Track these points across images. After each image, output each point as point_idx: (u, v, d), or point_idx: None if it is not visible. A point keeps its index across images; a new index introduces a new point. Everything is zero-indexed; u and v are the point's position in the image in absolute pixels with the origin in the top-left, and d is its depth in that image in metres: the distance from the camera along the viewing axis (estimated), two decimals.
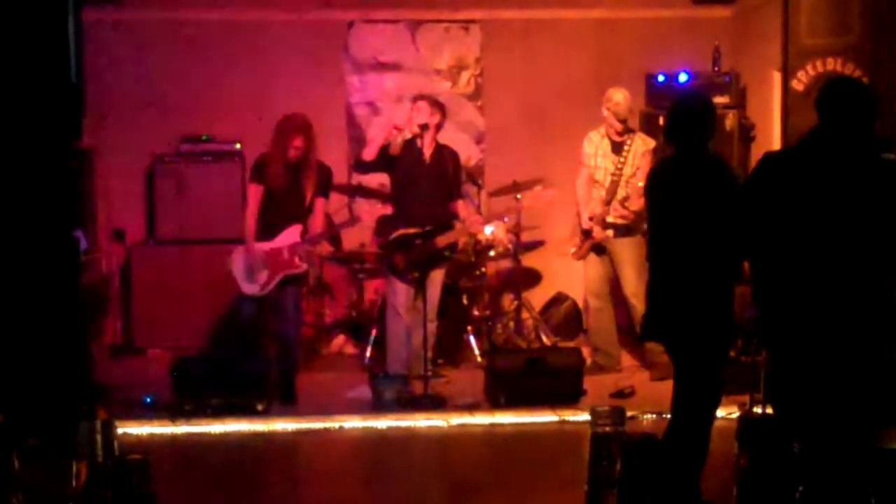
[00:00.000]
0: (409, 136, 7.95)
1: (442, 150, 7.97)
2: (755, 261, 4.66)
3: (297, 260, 7.54)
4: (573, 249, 8.33)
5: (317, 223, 7.64)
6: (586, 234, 8.21)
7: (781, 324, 4.51)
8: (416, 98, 8.13)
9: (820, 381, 4.42)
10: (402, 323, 7.91)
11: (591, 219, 8.14)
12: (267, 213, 7.55)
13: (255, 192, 7.57)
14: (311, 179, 7.53)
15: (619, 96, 8.18)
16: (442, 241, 7.83)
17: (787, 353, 4.53)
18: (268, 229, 7.55)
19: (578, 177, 8.32)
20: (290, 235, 7.55)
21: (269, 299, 7.59)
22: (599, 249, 8.18)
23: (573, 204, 8.49)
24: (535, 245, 9.20)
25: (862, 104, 4.51)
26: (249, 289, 7.56)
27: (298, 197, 7.55)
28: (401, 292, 7.90)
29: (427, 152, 7.91)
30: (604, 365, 8.26)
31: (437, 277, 7.92)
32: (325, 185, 7.65)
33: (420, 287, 7.81)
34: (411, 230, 7.83)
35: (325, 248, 9.12)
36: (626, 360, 8.55)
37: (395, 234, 7.91)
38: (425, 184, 7.89)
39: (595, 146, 8.23)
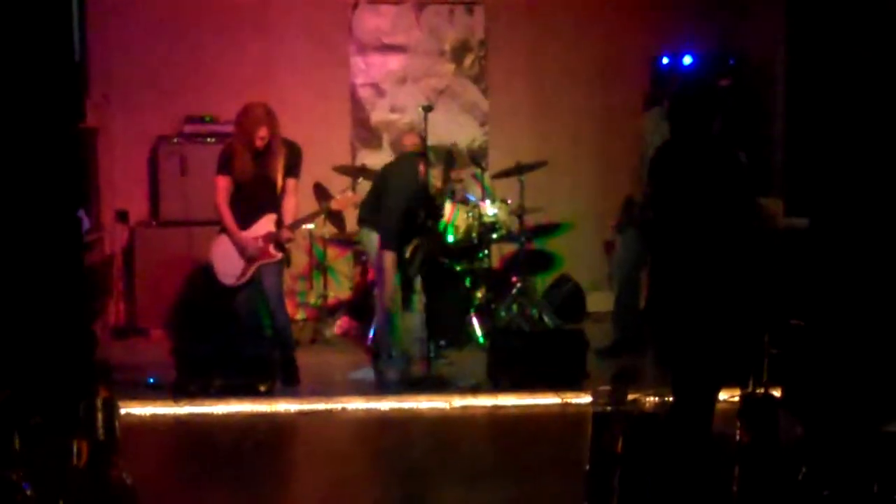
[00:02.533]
0: None
1: None
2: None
3: (271, 249, 7.52)
4: (613, 222, 8.31)
5: (290, 206, 7.59)
6: (628, 207, 8.14)
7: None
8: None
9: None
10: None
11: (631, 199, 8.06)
12: (238, 203, 7.50)
13: (223, 184, 7.49)
14: (280, 165, 7.48)
15: None
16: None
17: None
18: (240, 219, 7.51)
19: (637, 151, 8.15)
20: (265, 225, 7.53)
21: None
22: (640, 230, 8.04)
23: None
24: (543, 229, 9.21)
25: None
26: (226, 279, 7.56)
27: (268, 185, 7.49)
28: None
29: None
30: (621, 347, 8.25)
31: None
32: (295, 165, 7.57)
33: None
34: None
35: (329, 229, 9.11)
36: None
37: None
38: None
39: (655, 124, 8.04)
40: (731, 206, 4.85)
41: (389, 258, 7.76)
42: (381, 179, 8.09)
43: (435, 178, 8.22)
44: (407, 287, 7.98)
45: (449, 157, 8.60)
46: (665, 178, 5.18)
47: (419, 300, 7.98)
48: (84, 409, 4.54)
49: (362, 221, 8.12)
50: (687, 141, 5.13)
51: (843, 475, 4.49)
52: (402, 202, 7.80)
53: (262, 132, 7.34)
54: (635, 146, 8.16)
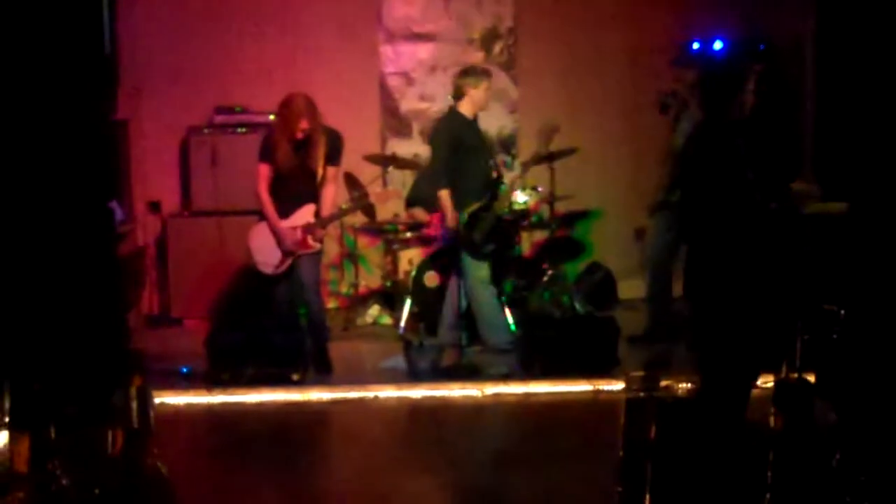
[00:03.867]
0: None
1: None
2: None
3: (310, 240, 7.53)
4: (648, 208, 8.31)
5: (329, 194, 7.60)
6: (661, 192, 8.11)
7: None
8: None
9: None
10: (493, 292, 8.05)
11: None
12: (278, 192, 7.51)
13: (265, 172, 7.50)
14: (320, 155, 7.48)
15: None
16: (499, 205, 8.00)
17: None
18: (280, 208, 7.53)
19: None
20: (304, 215, 7.54)
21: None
22: (670, 217, 7.96)
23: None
24: (574, 216, 9.18)
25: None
26: (264, 268, 7.58)
27: (308, 175, 7.50)
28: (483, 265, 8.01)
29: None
30: (654, 334, 8.22)
31: None
32: (336, 153, 7.57)
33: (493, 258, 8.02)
34: (476, 204, 7.91)
35: (359, 218, 9.11)
36: None
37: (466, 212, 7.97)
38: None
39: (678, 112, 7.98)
40: (729, 189, 4.83)
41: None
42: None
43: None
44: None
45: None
46: (692, 160, 5.17)
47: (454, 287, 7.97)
48: (118, 398, 4.56)
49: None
50: (711, 122, 5.11)
51: (877, 461, 4.45)
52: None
53: (304, 124, 7.34)
54: (665, 131, 8.13)
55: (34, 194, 5.79)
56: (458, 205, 7.86)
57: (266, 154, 7.49)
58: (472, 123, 8.01)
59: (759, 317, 5.05)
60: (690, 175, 5.25)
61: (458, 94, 7.99)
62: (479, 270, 8.00)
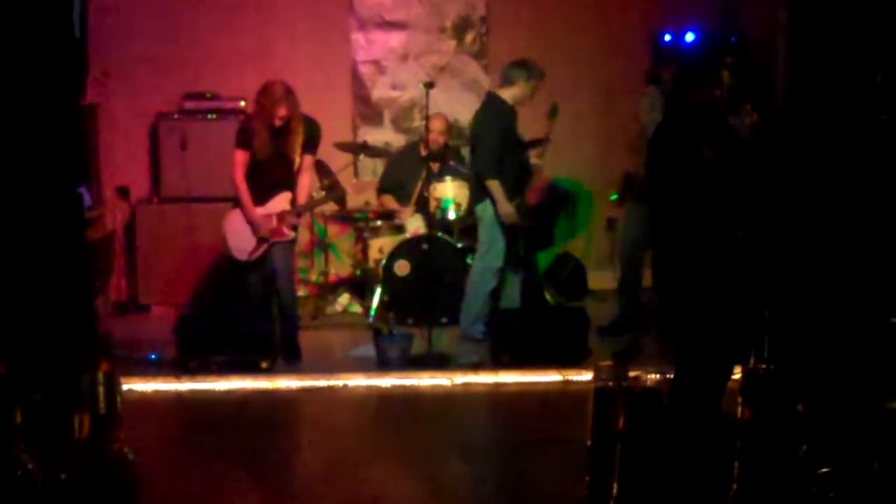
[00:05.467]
0: None
1: None
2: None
3: (284, 228, 7.51)
4: (615, 196, 8.30)
5: (304, 183, 7.59)
6: (628, 182, 8.14)
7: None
8: None
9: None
10: (493, 284, 8.15)
11: (630, 178, 8.07)
12: (254, 179, 7.49)
13: (241, 158, 7.47)
14: (298, 143, 7.46)
15: None
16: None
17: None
18: (256, 196, 7.50)
19: (632, 130, 8.17)
20: (279, 203, 7.52)
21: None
22: (643, 209, 7.94)
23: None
24: (544, 206, 9.21)
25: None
26: (238, 254, 7.56)
27: (285, 163, 7.48)
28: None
29: None
30: (623, 325, 8.26)
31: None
32: (313, 142, 7.56)
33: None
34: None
35: (330, 206, 9.10)
36: None
37: None
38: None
39: (652, 101, 7.98)
40: (691, 186, 4.87)
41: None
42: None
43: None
44: None
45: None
46: (655, 157, 5.21)
47: None
48: (85, 383, 4.54)
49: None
50: (676, 116, 5.15)
51: (843, 452, 4.48)
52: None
53: (282, 111, 7.31)
54: (635, 122, 8.16)
55: (1, 178, 5.75)
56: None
57: (243, 140, 7.47)
58: (514, 112, 8.04)
59: (727, 308, 5.09)
60: (654, 170, 5.27)
61: (508, 82, 8.01)
62: (495, 260, 8.05)
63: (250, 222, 7.49)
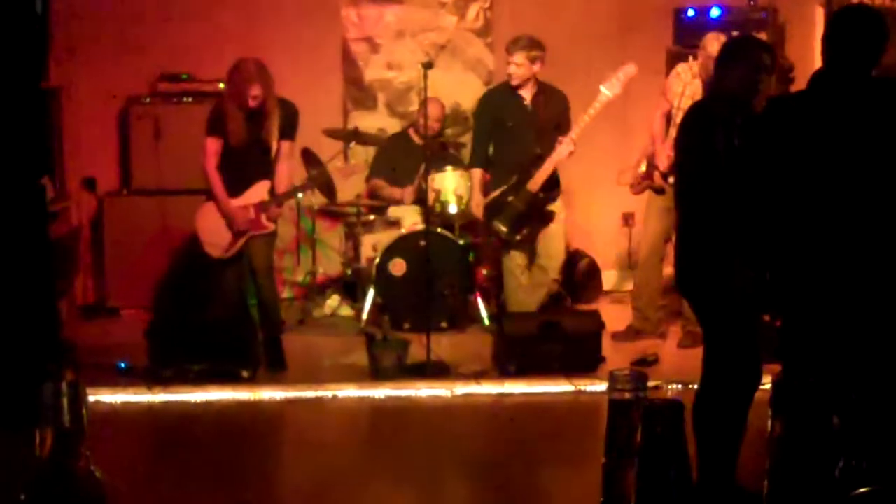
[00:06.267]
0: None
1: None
2: (761, 216, 4.68)
3: (263, 219, 7.53)
4: (631, 181, 8.32)
5: (283, 172, 7.61)
6: (648, 172, 8.15)
7: (794, 286, 4.52)
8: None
9: (841, 349, 4.43)
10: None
11: (653, 165, 8.07)
12: (229, 168, 7.51)
13: (213, 146, 7.49)
14: (274, 127, 7.49)
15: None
16: (533, 184, 8.03)
17: (800, 320, 4.54)
18: (231, 186, 7.52)
19: (657, 109, 8.19)
20: (257, 192, 7.54)
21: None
22: (664, 201, 7.98)
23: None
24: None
25: (871, 37, 4.50)
26: (214, 251, 7.59)
27: (262, 149, 7.50)
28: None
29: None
30: (641, 329, 8.28)
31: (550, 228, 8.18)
32: (290, 126, 7.58)
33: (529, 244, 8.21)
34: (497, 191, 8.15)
35: (318, 198, 9.11)
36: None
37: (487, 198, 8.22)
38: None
39: (683, 84, 8.00)
40: (715, 174, 4.88)
41: None
42: None
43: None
44: None
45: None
46: (687, 137, 5.22)
47: None
48: (48, 393, 4.54)
49: None
50: (710, 98, 5.16)
51: (883, 470, 4.49)
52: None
53: (255, 90, 7.33)
54: (657, 107, 8.16)
55: None
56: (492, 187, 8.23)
57: (214, 126, 7.48)
58: (513, 93, 8.22)
59: (757, 309, 5.10)
60: (681, 156, 5.30)
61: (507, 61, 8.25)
62: (515, 258, 8.20)
63: (226, 215, 7.51)
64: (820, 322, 4.48)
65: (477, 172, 8.35)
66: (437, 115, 9.08)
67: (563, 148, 7.98)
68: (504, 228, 8.12)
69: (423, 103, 8.20)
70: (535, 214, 8.13)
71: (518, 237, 8.17)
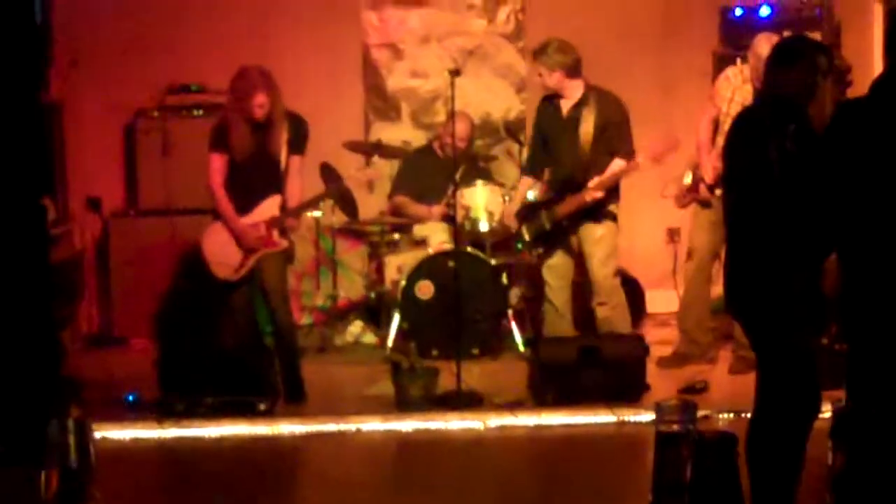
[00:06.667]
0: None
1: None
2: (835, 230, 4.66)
3: (275, 236, 7.55)
4: (675, 193, 8.29)
5: (295, 188, 7.63)
6: (695, 183, 8.13)
7: (864, 307, 4.49)
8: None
9: None
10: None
11: (699, 176, 8.05)
12: (236, 184, 7.53)
13: (218, 163, 7.52)
14: (282, 138, 7.51)
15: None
16: (560, 209, 8.01)
17: (870, 344, 4.51)
18: (239, 204, 7.55)
19: (703, 116, 8.14)
20: (267, 209, 7.56)
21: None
22: (711, 215, 7.98)
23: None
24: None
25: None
26: (223, 272, 7.60)
27: (270, 163, 7.52)
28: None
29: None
30: (688, 354, 8.25)
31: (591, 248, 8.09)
32: (300, 140, 7.60)
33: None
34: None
35: (339, 217, 9.13)
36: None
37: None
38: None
39: (733, 88, 7.93)
40: (774, 186, 4.87)
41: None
42: None
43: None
44: None
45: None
46: (737, 145, 5.21)
47: None
48: (53, 432, 4.57)
49: None
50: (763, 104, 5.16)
51: None
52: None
53: (260, 98, 7.36)
54: (703, 113, 8.14)
55: None
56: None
57: (218, 141, 7.52)
58: (553, 102, 8.17)
59: (817, 332, 5.07)
60: (731, 166, 5.28)
61: None
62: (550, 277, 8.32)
63: (234, 234, 7.53)
64: (891, 347, 4.45)
65: (525, 181, 8.34)
66: (465, 134, 9.09)
67: (587, 194, 7.91)
68: (527, 238, 8.14)
69: (451, 117, 8.12)
70: (558, 238, 8.09)
71: (535, 252, 8.17)
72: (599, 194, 7.88)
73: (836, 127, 4.60)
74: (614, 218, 8.06)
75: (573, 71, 7.99)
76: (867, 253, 4.46)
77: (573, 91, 8.03)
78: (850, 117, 4.59)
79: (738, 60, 8.19)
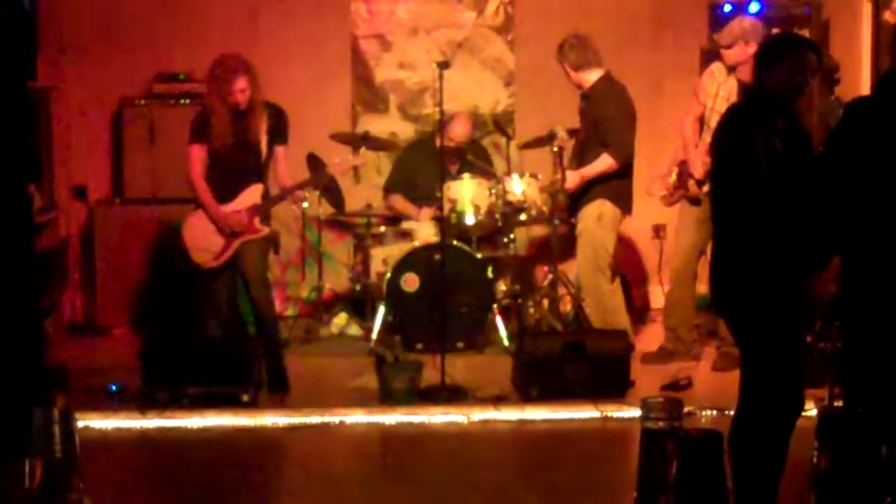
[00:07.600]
0: None
1: None
2: (837, 230, 4.67)
3: (257, 223, 7.56)
4: (663, 192, 8.32)
5: (284, 174, 7.67)
6: (681, 181, 8.15)
7: (865, 304, 4.50)
8: None
9: None
10: None
11: (687, 172, 8.09)
12: (216, 174, 7.56)
13: (198, 154, 7.54)
14: (263, 126, 7.52)
15: None
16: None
17: (869, 340, 4.52)
18: (222, 192, 7.57)
19: (688, 113, 8.20)
20: (249, 197, 7.58)
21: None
22: (698, 212, 8.04)
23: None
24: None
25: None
26: (203, 258, 7.60)
27: (251, 151, 7.55)
28: None
29: None
30: (673, 351, 8.27)
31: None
32: (281, 130, 7.63)
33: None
34: None
35: (325, 208, 9.12)
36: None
37: None
38: None
39: (718, 84, 7.98)
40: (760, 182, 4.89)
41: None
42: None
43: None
44: None
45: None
46: (723, 141, 5.23)
47: None
48: (37, 421, 4.55)
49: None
50: (750, 100, 5.18)
51: None
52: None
53: (241, 83, 7.36)
54: (688, 109, 8.15)
55: None
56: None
57: (198, 132, 7.53)
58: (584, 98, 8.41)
59: (801, 329, 5.09)
60: (717, 162, 5.29)
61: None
62: None
63: (215, 221, 7.53)
64: (889, 345, 4.46)
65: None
66: (465, 134, 9.13)
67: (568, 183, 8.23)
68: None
69: (444, 119, 8.15)
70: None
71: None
72: (570, 186, 8.15)
73: (846, 126, 4.62)
74: (599, 217, 8.12)
75: (580, 66, 8.25)
76: (878, 251, 4.47)
77: (585, 84, 8.27)
78: (860, 116, 4.60)
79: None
